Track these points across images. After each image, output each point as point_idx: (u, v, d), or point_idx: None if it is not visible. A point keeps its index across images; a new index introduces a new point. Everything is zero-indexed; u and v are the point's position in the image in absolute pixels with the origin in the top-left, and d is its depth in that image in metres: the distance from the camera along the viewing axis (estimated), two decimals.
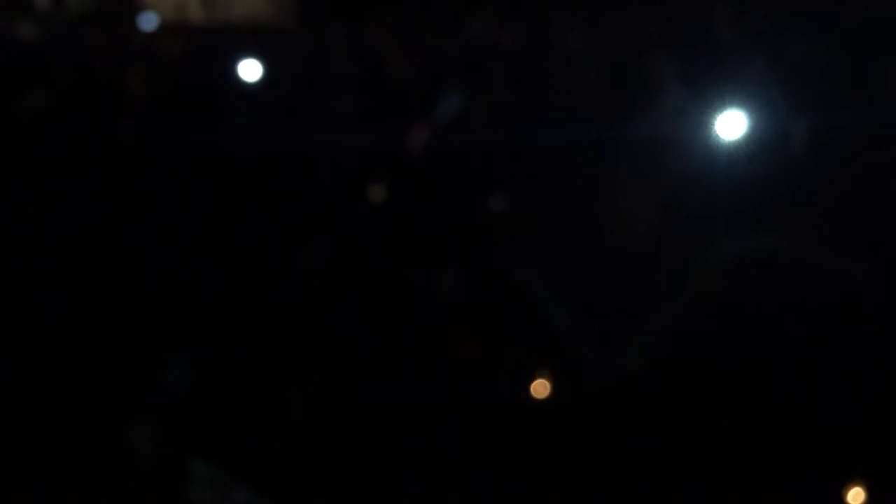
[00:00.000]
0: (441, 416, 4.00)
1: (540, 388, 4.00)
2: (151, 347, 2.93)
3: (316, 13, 6.91)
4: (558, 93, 4.85)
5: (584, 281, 4.35)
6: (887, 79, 4.50)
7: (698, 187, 3.94)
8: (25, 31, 5.65)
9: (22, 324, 2.88)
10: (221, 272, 3.66)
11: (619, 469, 3.41)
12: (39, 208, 3.54)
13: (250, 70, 4.88)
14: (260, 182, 4.37)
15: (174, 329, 3.07)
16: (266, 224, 4.16)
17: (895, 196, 4.17)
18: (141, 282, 3.30)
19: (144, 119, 4.39)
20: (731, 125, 4.00)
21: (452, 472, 3.65)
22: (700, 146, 3.98)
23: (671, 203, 4.08)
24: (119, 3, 6.66)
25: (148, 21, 6.63)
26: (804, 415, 3.33)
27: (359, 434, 3.76)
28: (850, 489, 3.21)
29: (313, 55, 5.75)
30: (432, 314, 4.31)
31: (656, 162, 4.05)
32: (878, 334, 3.41)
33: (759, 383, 3.34)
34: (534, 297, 4.44)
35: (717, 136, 4.00)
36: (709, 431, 3.36)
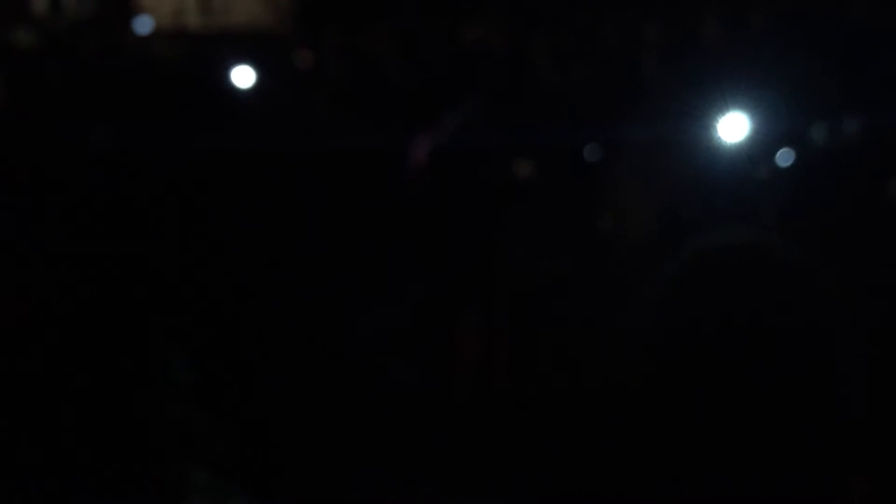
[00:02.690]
0: (442, 422, 3.99)
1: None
2: (153, 352, 2.92)
3: (313, 19, 6.90)
4: (558, 97, 4.84)
5: (583, 284, 4.34)
6: (888, 81, 4.49)
7: (700, 190, 3.93)
8: (23, 36, 5.64)
9: (22, 329, 2.87)
10: (219, 275, 3.64)
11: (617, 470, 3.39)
12: (38, 212, 3.53)
13: (246, 76, 4.88)
14: (257, 186, 4.36)
15: (175, 333, 3.06)
16: (263, 228, 4.15)
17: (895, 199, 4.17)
18: (138, 287, 3.29)
19: (141, 124, 4.38)
20: (734, 128, 4.00)
21: (451, 476, 3.64)
22: (702, 149, 3.98)
23: (672, 206, 4.08)
24: (116, 8, 6.65)
25: (144, 26, 6.62)
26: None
27: (358, 440, 3.75)
28: None
29: (310, 61, 5.75)
30: (428, 318, 4.31)
31: (658, 165, 4.04)
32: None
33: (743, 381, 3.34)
34: (535, 299, 4.43)
35: (719, 138, 4.00)
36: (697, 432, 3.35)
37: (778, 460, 1.30)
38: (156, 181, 3.92)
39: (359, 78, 5.40)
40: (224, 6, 7.30)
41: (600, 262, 4.28)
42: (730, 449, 1.31)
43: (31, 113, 4.53)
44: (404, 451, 3.77)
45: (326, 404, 3.97)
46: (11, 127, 4.33)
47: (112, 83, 4.91)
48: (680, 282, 1.32)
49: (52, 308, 3.03)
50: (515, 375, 4.25)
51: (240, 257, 3.84)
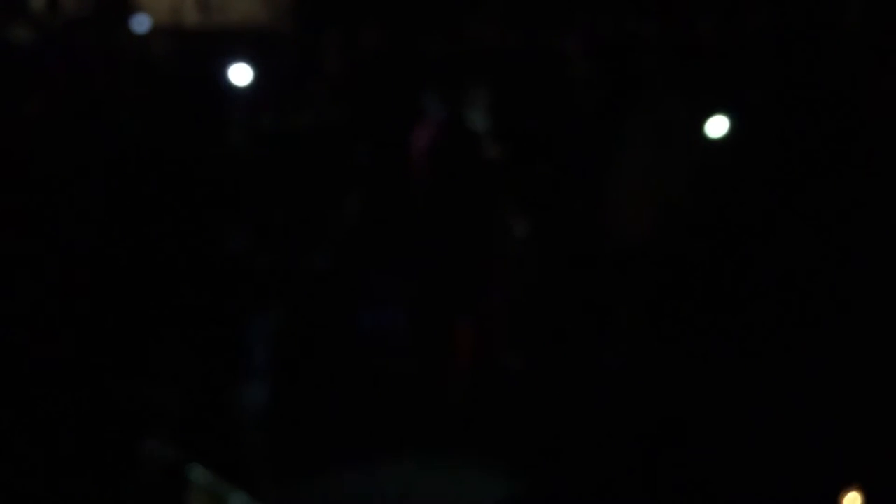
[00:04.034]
0: (439, 420, 4.00)
1: None
2: (153, 356, 2.93)
3: (310, 16, 6.90)
4: (554, 94, 4.85)
5: (577, 281, 4.35)
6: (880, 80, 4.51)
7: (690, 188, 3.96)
8: (21, 34, 5.63)
9: (25, 331, 2.88)
10: (218, 271, 3.65)
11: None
12: (37, 210, 3.53)
13: (243, 73, 4.87)
14: (256, 184, 4.37)
15: (175, 336, 3.07)
16: (264, 226, 4.15)
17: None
18: (139, 285, 3.29)
19: (138, 121, 4.38)
20: (721, 126, 4.04)
21: (447, 474, 3.65)
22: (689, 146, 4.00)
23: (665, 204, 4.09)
24: (113, 6, 6.64)
25: (141, 24, 6.61)
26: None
27: (356, 438, 3.77)
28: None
29: (307, 58, 5.75)
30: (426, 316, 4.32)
31: (648, 162, 4.05)
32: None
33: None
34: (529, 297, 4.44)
35: (707, 136, 4.04)
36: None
37: None
38: (154, 178, 3.92)
39: (356, 74, 5.40)
40: (221, 4, 7.30)
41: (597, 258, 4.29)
42: None
43: (30, 110, 4.53)
44: (400, 444, 3.78)
45: (326, 402, 3.98)
46: (8, 123, 4.33)
47: (109, 81, 4.92)
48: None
49: (55, 313, 3.03)
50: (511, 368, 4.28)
51: (237, 252, 3.84)
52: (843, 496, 3.21)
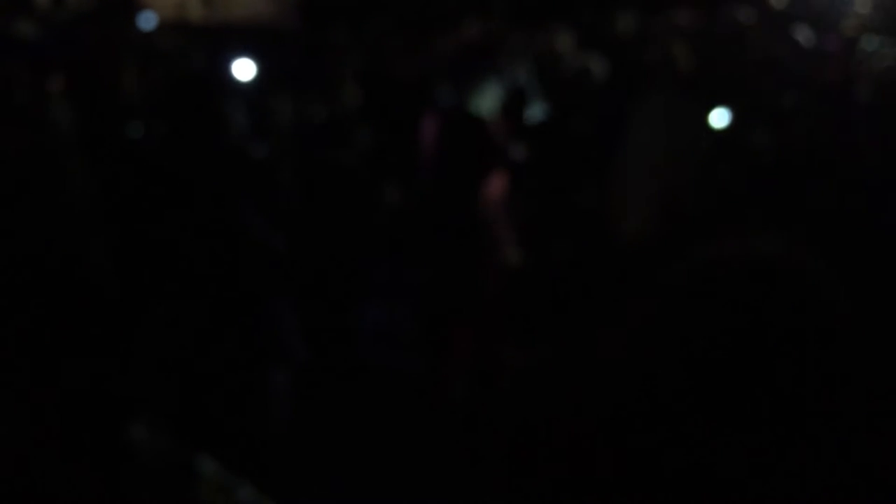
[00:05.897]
0: (438, 416, 4.02)
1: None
2: (157, 345, 2.94)
3: (315, 13, 6.93)
4: (558, 89, 4.87)
5: (576, 276, 4.37)
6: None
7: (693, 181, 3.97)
8: (25, 29, 5.64)
9: (24, 324, 2.88)
10: (221, 271, 3.67)
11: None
12: (39, 207, 3.54)
13: (247, 69, 4.89)
14: (260, 181, 4.38)
15: (177, 326, 3.08)
16: (266, 222, 4.17)
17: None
18: (142, 280, 3.31)
19: (143, 118, 4.40)
20: (720, 119, 4.07)
21: (449, 470, 3.67)
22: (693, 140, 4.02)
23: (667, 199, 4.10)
24: (118, 2, 6.66)
25: (147, 20, 6.63)
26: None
27: (360, 433, 3.78)
28: None
29: (312, 54, 5.77)
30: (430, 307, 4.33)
31: (652, 154, 4.06)
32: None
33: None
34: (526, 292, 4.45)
35: (708, 129, 4.06)
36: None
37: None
38: (158, 175, 3.94)
39: (361, 71, 5.42)
40: (226, 0, 7.32)
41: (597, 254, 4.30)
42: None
43: (32, 107, 4.55)
44: (403, 445, 3.80)
45: (327, 397, 4.00)
46: (11, 121, 4.35)
47: (113, 77, 4.93)
48: (685, 294, 1.21)
49: (55, 306, 3.04)
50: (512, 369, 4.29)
51: (240, 247, 3.86)
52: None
